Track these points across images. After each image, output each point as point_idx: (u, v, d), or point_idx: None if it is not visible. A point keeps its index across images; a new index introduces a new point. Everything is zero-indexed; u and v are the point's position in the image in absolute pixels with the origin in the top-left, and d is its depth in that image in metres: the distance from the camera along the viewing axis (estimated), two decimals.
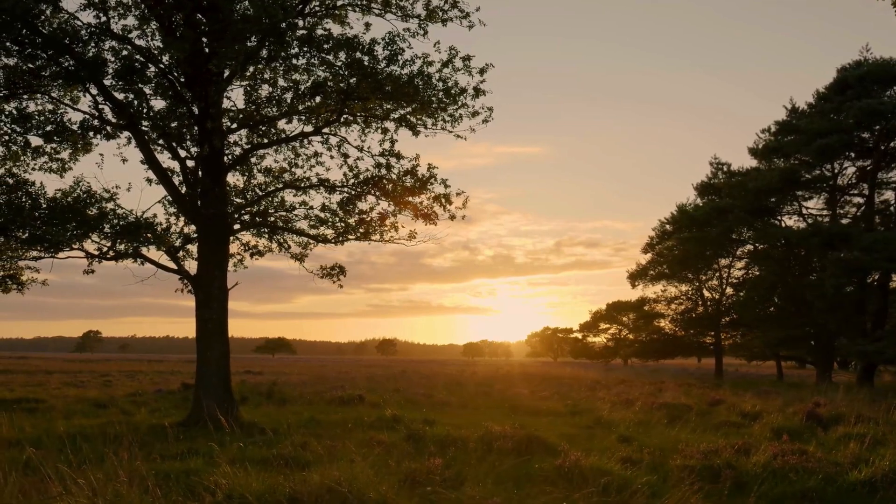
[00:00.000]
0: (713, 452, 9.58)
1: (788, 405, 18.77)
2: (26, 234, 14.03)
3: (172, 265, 15.40)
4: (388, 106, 15.48)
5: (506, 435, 11.48)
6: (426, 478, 8.35)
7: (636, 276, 51.43)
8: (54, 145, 17.15)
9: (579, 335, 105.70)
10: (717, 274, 48.72)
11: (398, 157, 15.71)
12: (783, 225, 39.29)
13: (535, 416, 17.17)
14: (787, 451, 9.43)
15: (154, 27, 14.84)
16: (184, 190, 15.33)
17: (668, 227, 48.67)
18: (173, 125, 14.63)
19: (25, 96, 16.92)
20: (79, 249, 14.40)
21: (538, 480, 8.04)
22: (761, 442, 11.29)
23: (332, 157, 16.88)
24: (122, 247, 14.56)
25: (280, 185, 17.29)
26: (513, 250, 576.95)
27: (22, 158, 17.47)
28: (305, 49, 13.69)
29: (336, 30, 17.48)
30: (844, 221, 36.97)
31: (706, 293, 50.12)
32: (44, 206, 15.03)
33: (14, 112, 17.31)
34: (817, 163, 35.65)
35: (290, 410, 17.65)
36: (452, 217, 15.90)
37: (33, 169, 16.92)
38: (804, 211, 38.99)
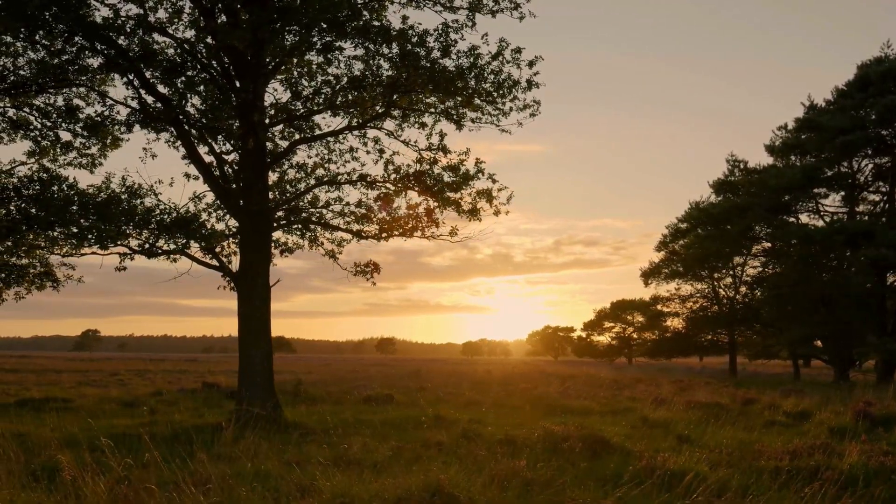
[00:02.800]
0: (800, 453, 9.30)
1: (826, 404, 18.49)
2: (72, 231, 13.68)
3: (213, 262, 15.08)
4: (430, 99, 15.16)
5: (570, 435, 11.18)
6: (514, 479, 8.06)
7: (649, 275, 51.12)
8: (83, 140, 16.86)
9: (583, 334, 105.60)
10: (732, 272, 48.41)
11: (444, 150, 15.41)
12: (798, 222, 39.10)
13: (577, 415, 16.83)
14: (876, 452, 9.16)
15: (187, 19, 14.53)
16: (223, 185, 15.00)
17: (682, 224, 48.37)
18: (217, 119, 14.29)
19: (52, 91, 16.60)
20: (124, 245, 14.08)
21: (633, 483, 7.75)
22: (826, 442, 11.01)
23: (367, 152, 16.59)
24: (166, 243, 14.22)
25: (313, 182, 16.96)
26: (511, 249, 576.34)
27: (51, 153, 17.19)
28: (360, 40, 13.34)
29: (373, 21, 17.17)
30: (859, 219, 36.79)
31: (721, 291, 49.83)
32: (76, 201, 14.71)
33: (43, 106, 17.02)
34: (838, 160, 35.48)
35: (326, 410, 17.30)
36: (497, 213, 15.62)
37: (67, 164, 16.63)
38: (820, 209, 38.83)
